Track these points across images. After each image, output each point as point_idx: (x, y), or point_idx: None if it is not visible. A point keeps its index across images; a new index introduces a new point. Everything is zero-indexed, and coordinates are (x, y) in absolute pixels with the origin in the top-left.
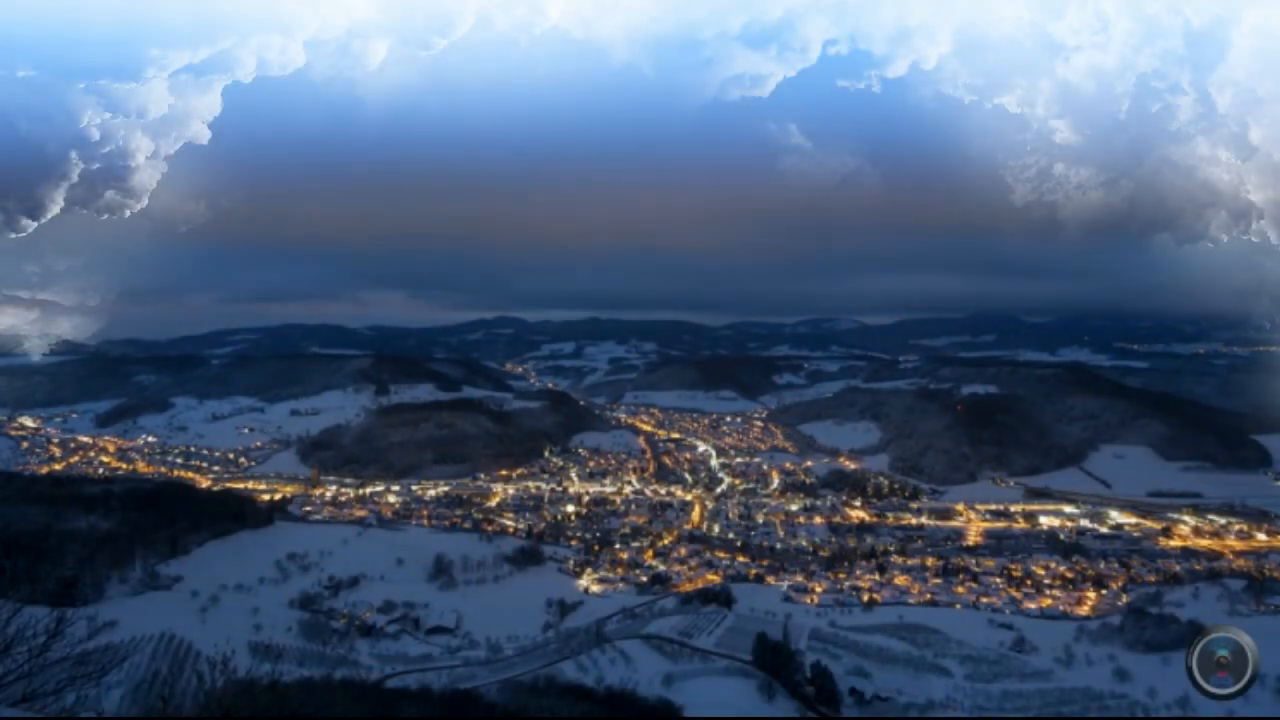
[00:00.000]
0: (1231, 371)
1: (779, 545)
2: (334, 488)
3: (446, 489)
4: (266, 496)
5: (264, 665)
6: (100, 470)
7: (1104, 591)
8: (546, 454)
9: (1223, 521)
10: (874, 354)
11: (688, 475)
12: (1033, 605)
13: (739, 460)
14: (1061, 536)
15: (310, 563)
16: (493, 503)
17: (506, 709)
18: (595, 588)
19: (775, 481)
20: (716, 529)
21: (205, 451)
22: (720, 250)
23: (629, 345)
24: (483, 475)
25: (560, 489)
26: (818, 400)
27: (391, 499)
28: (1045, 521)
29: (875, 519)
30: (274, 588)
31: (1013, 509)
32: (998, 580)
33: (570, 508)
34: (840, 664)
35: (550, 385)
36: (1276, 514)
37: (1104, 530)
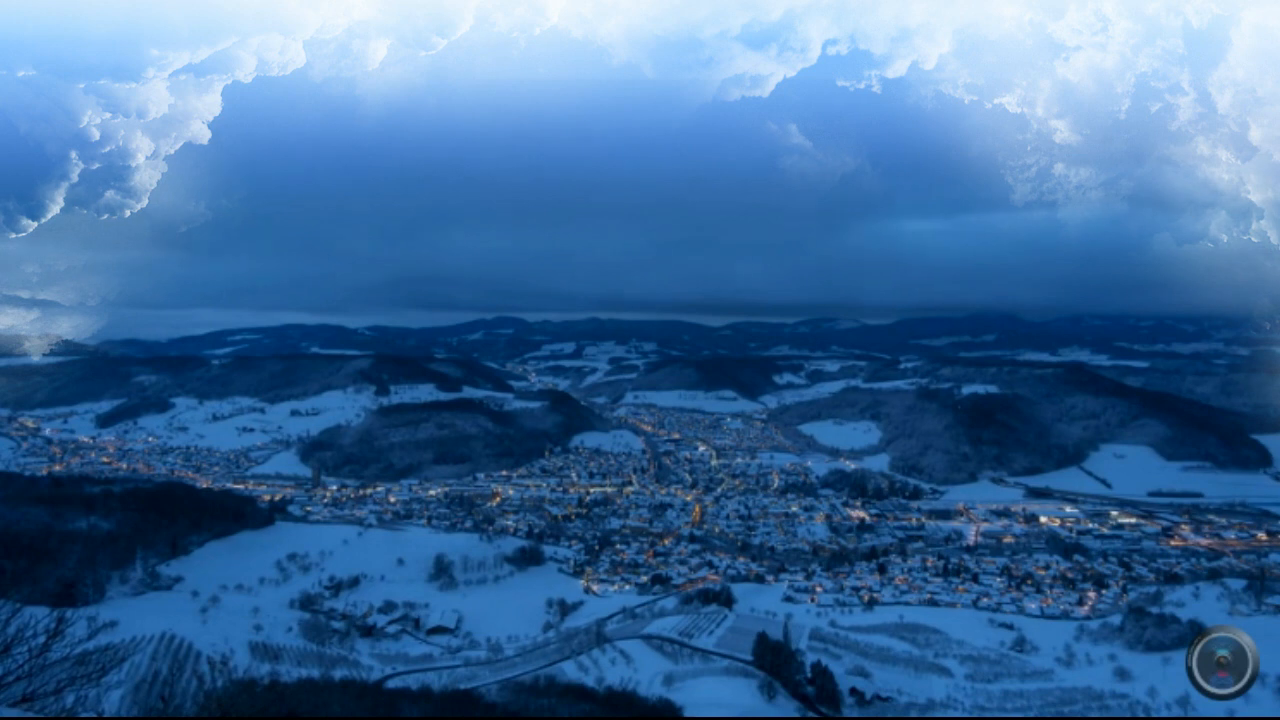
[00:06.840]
0: (1231, 371)
1: (779, 545)
2: (334, 488)
3: (447, 489)
4: (267, 497)
5: (264, 665)
6: (100, 471)
7: (1104, 591)
8: (547, 454)
9: (1223, 521)
10: (874, 354)
11: (688, 475)
12: (1033, 605)
13: (739, 460)
14: (1062, 536)
15: (310, 563)
16: (493, 503)
17: (507, 709)
18: (596, 588)
19: (775, 481)
20: (717, 529)
21: (205, 452)
22: (720, 250)
23: (629, 345)
24: (483, 475)
25: (560, 489)
26: (818, 400)
27: (392, 499)
28: (1045, 521)
29: (875, 519)
30: (274, 588)
31: (1013, 509)
32: (998, 580)
33: (571, 508)
34: (841, 664)
35: (550, 385)
36: (1277, 514)
37: (1104, 530)
